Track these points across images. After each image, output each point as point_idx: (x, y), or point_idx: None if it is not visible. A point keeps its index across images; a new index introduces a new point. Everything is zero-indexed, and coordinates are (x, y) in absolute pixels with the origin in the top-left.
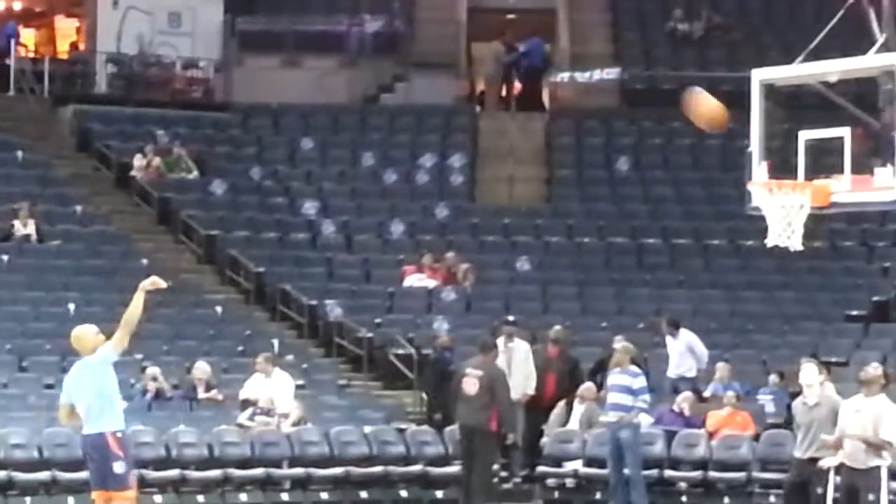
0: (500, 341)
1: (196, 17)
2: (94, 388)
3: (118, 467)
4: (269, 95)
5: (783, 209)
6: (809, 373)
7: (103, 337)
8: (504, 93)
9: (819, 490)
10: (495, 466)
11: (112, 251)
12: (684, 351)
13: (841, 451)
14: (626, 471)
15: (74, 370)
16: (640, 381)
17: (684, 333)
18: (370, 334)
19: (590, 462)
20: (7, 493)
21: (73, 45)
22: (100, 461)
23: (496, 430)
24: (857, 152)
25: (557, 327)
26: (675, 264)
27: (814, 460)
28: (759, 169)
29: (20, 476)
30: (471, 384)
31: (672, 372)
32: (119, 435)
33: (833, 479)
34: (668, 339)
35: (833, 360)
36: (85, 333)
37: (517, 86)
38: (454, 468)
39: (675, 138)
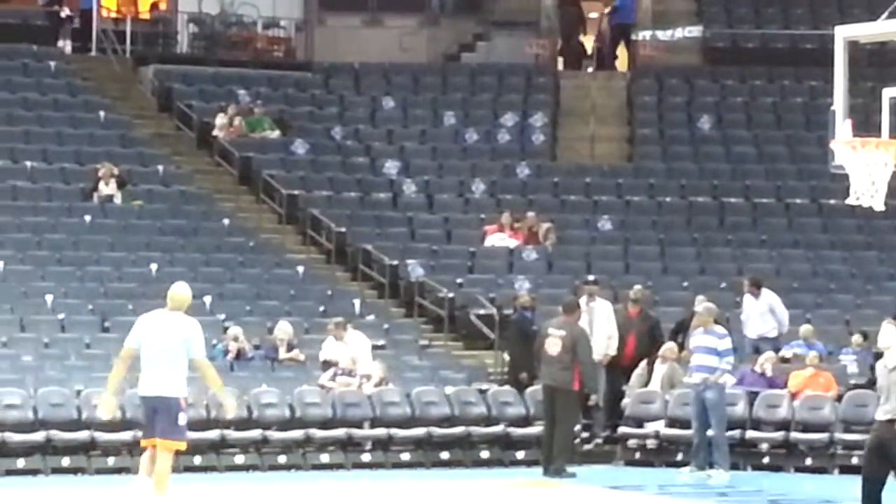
0: (582, 301)
1: None
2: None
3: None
4: (351, 55)
5: (867, 167)
6: (888, 334)
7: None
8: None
9: None
10: (577, 427)
11: (194, 211)
12: (766, 311)
13: None
14: (709, 432)
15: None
16: (726, 343)
17: (766, 294)
18: (451, 294)
19: (671, 422)
20: (90, 453)
21: (155, 6)
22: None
23: (578, 391)
24: None
25: (637, 287)
26: (758, 224)
27: (892, 422)
28: (843, 127)
29: (103, 437)
30: (553, 344)
31: (752, 332)
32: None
33: None
34: (749, 298)
35: None
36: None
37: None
38: (535, 429)
39: (758, 96)
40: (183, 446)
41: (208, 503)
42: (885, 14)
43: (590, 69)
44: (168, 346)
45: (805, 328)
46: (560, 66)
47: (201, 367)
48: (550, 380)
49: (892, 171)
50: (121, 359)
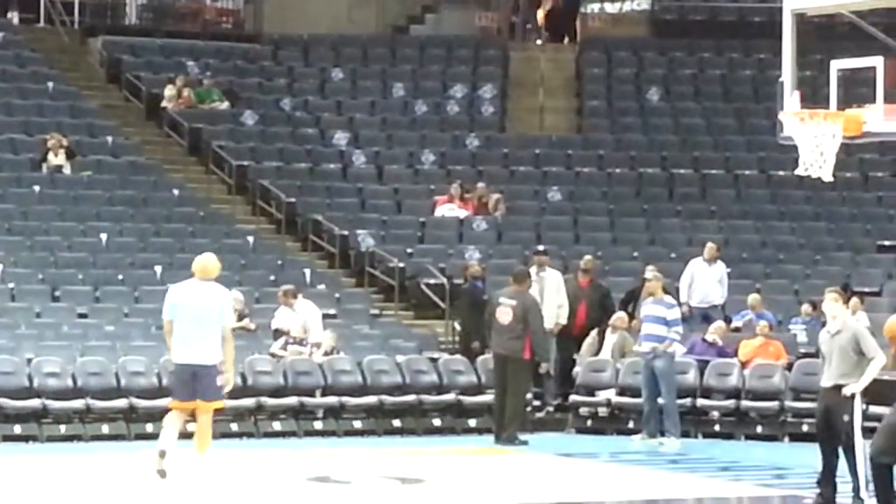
0: (532, 271)
1: None
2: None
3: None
4: (299, 26)
5: (815, 139)
6: (831, 302)
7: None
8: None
9: (845, 418)
10: (528, 395)
11: (143, 182)
12: (717, 280)
13: (864, 377)
14: (660, 400)
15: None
16: (675, 312)
17: (719, 263)
18: (402, 264)
19: (622, 391)
20: (41, 420)
21: None
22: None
23: (529, 359)
24: (890, 82)
25: (587, 257)
26: (707, 195)
27: (837, 388)
28: (791, 99)
29: (54, 404)
30: (504, 314)
31: (696, 299)
32: None
33: (860, 406)
34: (701, 265)
35: (865, 290)
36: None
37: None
38: (487, 397)
39: (706, 69)
40: (223, 405)
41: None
42: None
43: (538, 41)
44: (206, 315)
45: (752, 297)
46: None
47: (226, 336)
48: (501, 349)
49: (840, 142)
50: (166, 333)
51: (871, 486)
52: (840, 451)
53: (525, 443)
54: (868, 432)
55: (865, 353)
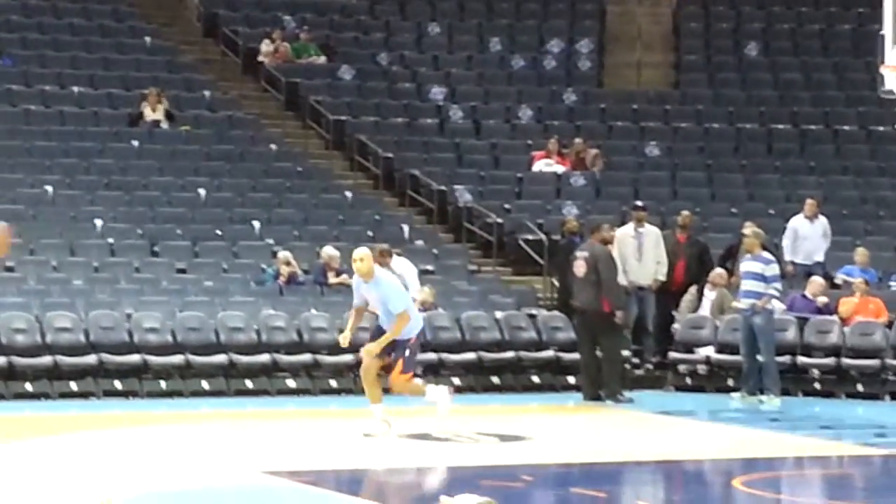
0: (630, 227)
1: None
2: None
3: None
4: None
5: None
6: None
7: None
8: None
9: None
10: (626, 352)
11: (241, 136)
12: (821, 235)
13: None
14: (758, 357)
15: None
16: (773, 268)
17: (821, 218)
18: (500, 220)
19: (721, 348)
20: (142, 376)
21: None
22: None
23: (610, 312)
24: None
25: (685, 212)
26: (806, 150)
27: None
28: (893, 52)
29: (154, 359)
30: (579, 266)
31: (802, 256)
32: None
33: None
34: (803, 222)
35: None
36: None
37: None
38: None
39: (805, 23)
40: None
41: (260, 426)
42: None
43: None
44: None
45: (861, 251)
46: None
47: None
48: (579, 301)
49: None
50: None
51: None
52: None
53: (630, 400)
54: None
55: None
